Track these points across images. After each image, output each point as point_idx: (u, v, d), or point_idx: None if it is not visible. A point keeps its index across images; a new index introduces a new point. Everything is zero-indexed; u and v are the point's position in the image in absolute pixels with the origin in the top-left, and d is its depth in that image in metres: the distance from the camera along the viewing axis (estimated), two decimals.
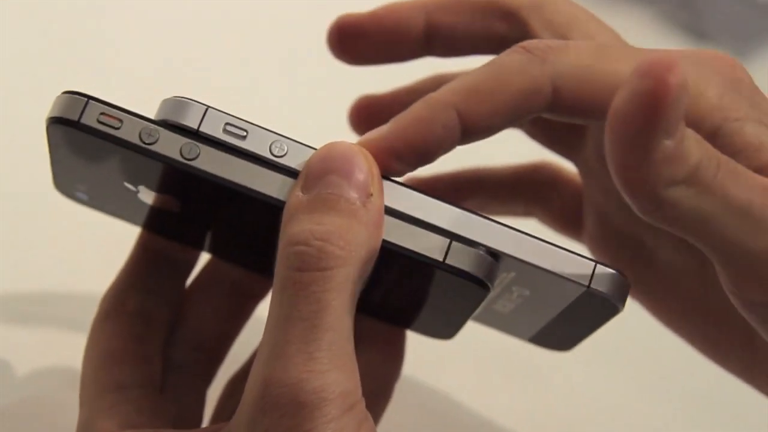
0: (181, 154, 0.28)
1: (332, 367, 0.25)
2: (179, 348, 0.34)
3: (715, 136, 0.29)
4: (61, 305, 0.44)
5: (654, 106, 0.23)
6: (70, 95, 0.28)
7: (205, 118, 0.28)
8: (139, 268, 0.34)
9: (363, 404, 0.26)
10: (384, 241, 0.28)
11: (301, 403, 0.24)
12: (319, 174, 0.27)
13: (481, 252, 0.29)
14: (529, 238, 0.30)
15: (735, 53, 1.03)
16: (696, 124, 0.29)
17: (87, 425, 0.30)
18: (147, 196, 0.31)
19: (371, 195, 0.27)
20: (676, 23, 0.93)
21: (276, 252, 0.28)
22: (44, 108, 0.29)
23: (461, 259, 0.29)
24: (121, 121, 0.28)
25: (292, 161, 0.28)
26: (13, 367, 0.41)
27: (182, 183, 0.29)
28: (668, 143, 0.24)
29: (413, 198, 0.29)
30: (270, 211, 0.28)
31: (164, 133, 0.28)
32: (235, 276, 0.36)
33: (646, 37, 1.04)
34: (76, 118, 0.27)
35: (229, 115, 0.29)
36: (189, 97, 0.29)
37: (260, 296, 0.36)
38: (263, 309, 0.36)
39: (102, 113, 0.28)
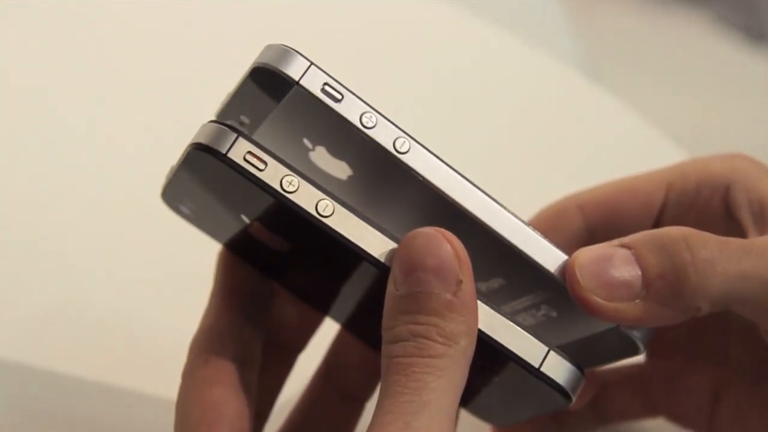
0: (317, 210, 0.28)
1: None
2: None
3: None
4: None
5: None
6: (220, 126, 0.28)
7: (307, 73, 0.29)
8: (230, 312, 0.33)
9: None
10: (481, 331, 0.28)
11: None
12: (407, 270, 0.27)
13: (574, 367, 0.29)
14: None
15: None
16: None
17: None
18: (259, 232, 0.31)
19: (461, 282, 0.27)
20: (734, 25, 0.92)
21: (362, 300, 0.30)
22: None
23: (556, 370, 0.29)
24: (265, 163, 0.28)
25: (378, 136, 0.29)
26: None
27: (305, 232, 0.29)
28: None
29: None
30: (381, 276, 0.29)
31: (304, 184, 0.28)
32: (276, 328, 0.35)
33: (704, 39, 1.03)
34: (224, 151, 0.28)
35: (330, 76, 0.29)
36: (295, 48, 0.29)
37: (300, 348, 0.37)
38: (303, 361, 0.38)
39: (249, 152, 0.28)
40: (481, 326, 0.28)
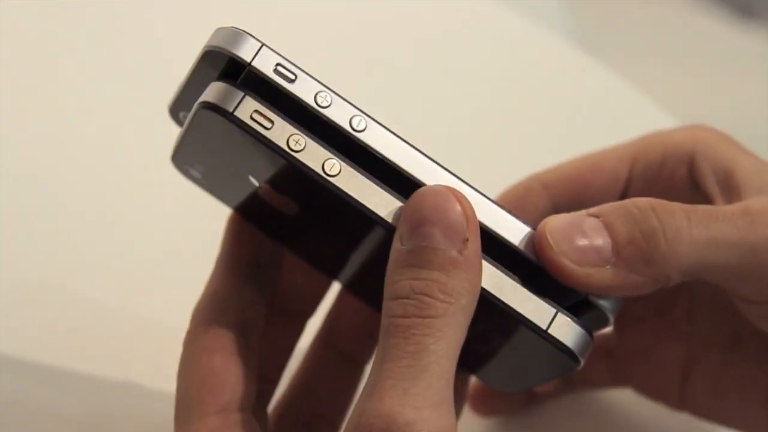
0: (323, 169, 0.28)
1: (427, 405, 0.26)
2: None
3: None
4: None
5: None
6: (227, 85, 0.28)
7: (259, 54, 0.28)
8: (233, 278, 0.33)
9: None
10: (487, 291, 0.28)
11: None
12: (414, 225, 0.27)
13: (582, 329, 0.29)
14: None
15: None
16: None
17: None
18: (267, 193, 0.31)
19: (467, 240, 0.27)
20: (724, 0, 0.92)
21: (366, 259, 0.30)
22: None
23: (564, 332, 0.29)
24: (272, 122, 0.28)
25: (334, 114, 0.29)
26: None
27: (312, 192, 0.29)
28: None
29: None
30: (387, 237, 0.28)
31: (311, 143, 0.28)
32: (286, 294, 0.35)
33: (691, 14, 1.03)
34: (230, 110, 0.28)
35: (282, 56, 0.29)
36: (246, 30, 0.29)
37: (309, 314, 0.36)
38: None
39: (256, 110, 0.28)
40: (488, 286, 0.28)
